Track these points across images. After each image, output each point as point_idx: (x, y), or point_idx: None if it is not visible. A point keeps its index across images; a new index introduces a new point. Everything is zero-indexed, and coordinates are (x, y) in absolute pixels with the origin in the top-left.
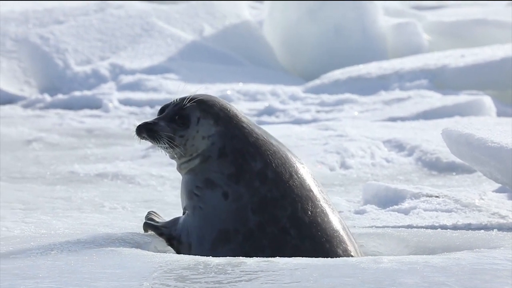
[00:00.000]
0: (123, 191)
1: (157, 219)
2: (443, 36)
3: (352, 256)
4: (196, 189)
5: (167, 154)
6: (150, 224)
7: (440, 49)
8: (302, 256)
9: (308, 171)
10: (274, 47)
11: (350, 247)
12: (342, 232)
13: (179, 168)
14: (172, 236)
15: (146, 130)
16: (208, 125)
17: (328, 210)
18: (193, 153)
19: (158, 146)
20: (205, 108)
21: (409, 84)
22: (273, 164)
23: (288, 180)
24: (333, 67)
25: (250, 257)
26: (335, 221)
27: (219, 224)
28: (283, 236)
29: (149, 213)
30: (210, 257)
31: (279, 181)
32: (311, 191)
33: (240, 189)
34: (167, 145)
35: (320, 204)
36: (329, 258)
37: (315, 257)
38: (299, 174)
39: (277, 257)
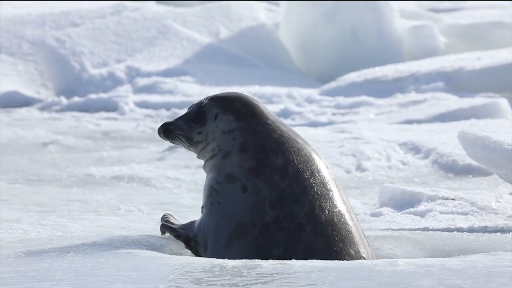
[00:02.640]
0: (139, 193)
1: (173, 221)
2: (460, 39)
3: (364, 258)
4: (216, 185)
5: (194, 153)
6: (167, 226)
7: (456, 51)
8: (315, 253)
9: (331, 172)
10: (290, 50)
11: (363, 249)
12: (356, 234)
13: (204, 166)
14: (189, 237)
15: (162, 131)
16: (228, 120)
17: (345, 211)
18: (215, 148)
19: (177, 145)
20: (224, 104)
21: (425, 86)
22: (295, 161)
23: (309, 177)
24: (349, 69)
25: (264, 251)
26: (351, 223)
27: (236, 217)
28: (298, 232)
29: (164, 215)
30: (226, 259)
31: (299, 177)
32: (331, 191)
33: (259, 182)
34: (183, 143)
35: (338, 205)
36: (345, 261)
37: (328, 255)
38: (321, 173)
39: (293, 260)
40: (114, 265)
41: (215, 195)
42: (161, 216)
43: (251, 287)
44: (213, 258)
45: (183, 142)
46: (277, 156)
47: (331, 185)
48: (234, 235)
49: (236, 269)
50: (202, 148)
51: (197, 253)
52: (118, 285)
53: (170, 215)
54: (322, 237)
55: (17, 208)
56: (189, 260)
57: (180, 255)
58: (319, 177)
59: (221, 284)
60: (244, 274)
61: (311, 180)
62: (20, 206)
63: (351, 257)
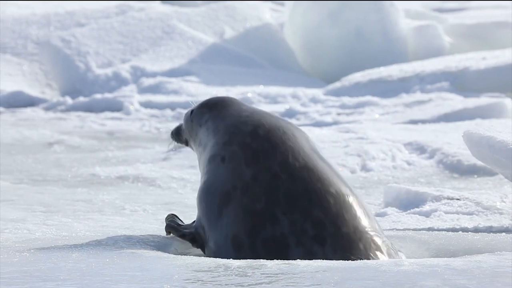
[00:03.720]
0: (144, 193)
1: (177, 221)
2: (465, 39)
3: (345, 195)
4: (204, 174)
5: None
6: (172, 226)
7: (461, 51)
8: (295, 198)
9: (304, 135)
10: (295, 50)
11: (344, 188)
12: (334, 175)
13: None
14: (192, 233)
15: (171, 134)
16: (201, 113)
17: (319, 158)
18: (198, 144)
19: (179, 144)
20: (200, 102)
21: (430, 86)
22: (266, 125)
23: (281, 135)
24: (354, 69)
25: (249, 210)
26: (327, 166)
27: (220, 188)
28: (275, 181)
29: (169, 215)
30: (231, 259)
31: (270, 136)
32: (304, 146)
33: (233, 148)
34: (179, 143)
35: (312, 154)
36: (350, 261)
37: (308, 197)
38: (293, 132)
39: (298, 260)
40: (119, 265)
41: (202, 178)
42: (165, 216)
43: (256, 287)
44: (218, 258)
45: (182, 143)
46: (246, 125)
47: (303, 141)
48: (221, 205)
49: (241, 269)
50: (193, 147)
51: (203, 249)
52: (123, 285)
53: (174, 215)
54: (299, 180)
55: (22, 208)
56: (193, 260)
57: (185, 255)
58: (291, 135)
59: (226, 284)
60: (248, 274)
61: (283, 137)
62: (25, 206)
63: (333, 196)
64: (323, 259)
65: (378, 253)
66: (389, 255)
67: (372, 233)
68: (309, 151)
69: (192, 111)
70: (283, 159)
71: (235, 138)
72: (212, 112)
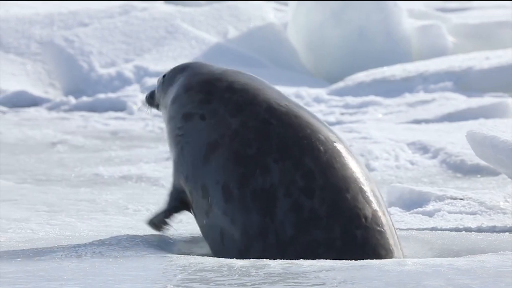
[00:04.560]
0: (147, 193)
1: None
2: (468, 38)
3: (333, 141)
4: (178, 130)
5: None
6: (154, 218)
7: (464, 51)
8: (287, 145)
9: (276, 89)
10: (298, 50)
11: (331, 134)
12: (317, 121)
13: (164, 122)
14: (175, 199)
15: (145, 97)
16: (174, 72)
17: (298, 106)
18: (166, 99)
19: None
20: (174, 67)
21: (433, 86)
22: (241, 80)
23: (258, 86)
24: (357, 69)
25: (239, 155)
26: (308, 113)
27: (205, 140)
28: (267, 127)
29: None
30: (234, 259)
31: (248, 88)
32: (281, 94)
33: (213, 106)
34: (151, 106)
35: (293, 102)
36: (353, 261)
37: (298, 143)
38: (268, 84)
39: (301, 259)
40: (123, 265)
41: (181, 139)
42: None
43: (259, 286)
44: (221, 258)
45: (154, 106)
46: (221, 81)
47: (282, 93)
48: (208, 153)
49: (244, 269)
50: (162, 110)
51: (194, 208)
52: (126, 285)
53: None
54: (289, 126)
55: (26, 208)
56: (197, 260)
57: (188, 255)
58: (269, 87)
59: (229, 284)
60: (252, 273)
61: (261, 88)
62: (29, 205)
63: (323, 144)
64: (310, 211)
65: (365, 204)
66: (378, 205)
67: (360, 182)
68: (288, 98)
69: (164, 75)
70: (268, 106)
71: (213, 96)
72: (184, 72)
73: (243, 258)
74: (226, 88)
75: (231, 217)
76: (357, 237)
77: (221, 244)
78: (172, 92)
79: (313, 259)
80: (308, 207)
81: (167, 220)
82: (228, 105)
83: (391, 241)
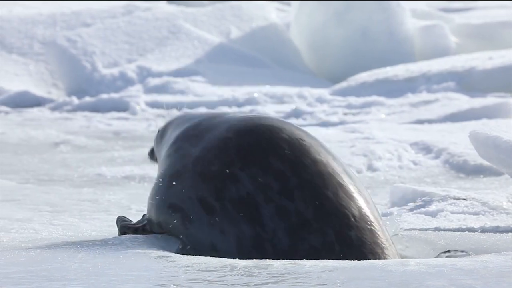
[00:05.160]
0: None
1: (128, 220)
2: (471, 38)
3: (298, 139)
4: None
5: None
6: (125, 226)
7: (467, 51)
8: (250, 154)
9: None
10: (301, 50)
11: (296, 132)
12: (279, 121)
13: None
14: (145, 222)
15: (148, 153)
16: (163, 131)
17: (267, 117)
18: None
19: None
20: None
21: (436, 86)
22: (207, 119)
23: (215, 118)
24: (360, 69)
25: (206, 174)
26: (270, 118)
27: (169, 171)
28: (224, 143)
29: (118, 217)
30: (237, 259)
31: (209, 122)
32: (246, 115)
33: (178, 143)
34: (154, 161)
35: (257, 117)
36: (356, 261)
37: (262, 149)
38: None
39: (304, 260)
40: (125, 265)
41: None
42: (116, 219)
43: (262, 286)
44: (223, 258)
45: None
46: (191, 126)
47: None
48: (171, 179)
49: (247, 269)
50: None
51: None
52: (129, 285)
53: (123, 216)
54: (248, 135)
55: (29, 208)
56: (200, 260)
57: (191, 255)
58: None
59: (232, 284)
60: (255, 274)
61: (216, 118)
62: (31, 206)
63: (285, 142)
64: (297, 215)
65: (349, 201)
66: (362, 199)
67: (337, 176)
68: (248, 115)
69: (159, 131)
70: (228, 125)
71: (179, 137)
72: (170, 128)
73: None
74: (191, 127)
75: (221, 228)
76: (352, 239)
77: (214, 251)
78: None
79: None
80: (293, 210)
81: (133, 232)
82: (189, 138)
83: (382, 238)
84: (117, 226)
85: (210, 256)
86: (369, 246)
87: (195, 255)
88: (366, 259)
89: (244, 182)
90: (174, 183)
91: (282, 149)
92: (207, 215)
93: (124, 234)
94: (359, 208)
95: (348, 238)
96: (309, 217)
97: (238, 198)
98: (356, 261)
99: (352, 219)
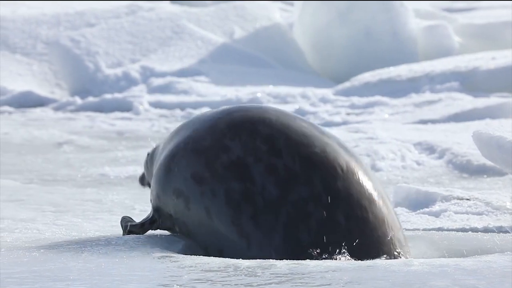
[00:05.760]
0: None
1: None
2: (474, 39)
3: (283, 110)
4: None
5: None
6: (132, 225)
7: (471, 51)
8: (240, 126)
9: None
10: (305, 50)
11: (281, 109)
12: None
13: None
14: (150, 217)
15: (139, 180)
16: (153, 154)
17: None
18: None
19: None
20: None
21: (439, 86)
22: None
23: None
24: (364, 69)
25: (199, 150)
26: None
27: (162, 159)
28: (215, 122)
29: (123, 218)
30: (240, 259)
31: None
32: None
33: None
34: (146, 186)
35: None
36: (360, 261)
37: (251, 122)
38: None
39: (307, 260)
40: (129, 265)
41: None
42: (120, 220)
43: (265, 287)
44: (227, 258)
45: (147, 186)
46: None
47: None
48: (169, 162)
49: (250, 269)
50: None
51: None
52: (133, 285)
53: (128, 217)
54: (236, 112)
55: (32, 208)
56: (203, 260)
57: (194, 255)
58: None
59: (235, 284)
60: (258, 274)
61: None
62: (35, 206)
63: (273, 113)
64: (285, 169)
65: (336, 156)
66: (349, 155)
67: (324, 137)
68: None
69: (148, 154)
70: (218, 110)
71: (172, 135)
72: (159, 148)
73: (234, 228)
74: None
75: (211, 190)
76: (339, 189)
77: (210, 220)
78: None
79: (304, 219)
80: (282, 166)
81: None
82: (181, 130)
83: (370, 190)
84: (121, 226)
85: (204, 217)
86: (356, 197)
87: (195, 228)
88: (353, 212)
89: (234, 150)
90: (171, 167)
91: (270, 119)
92: (200, 186)
93: (131, 233)
94: (346, 162)
95: (335, 189)
96: (297, 170)
97: (228, 163)
98: (360, 261)
99: (339, 171)
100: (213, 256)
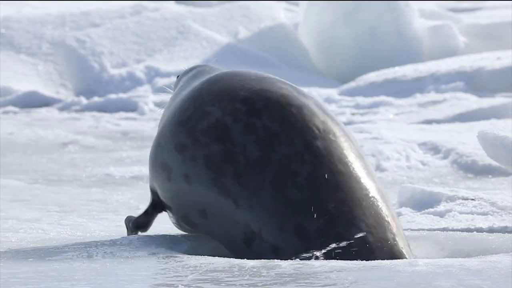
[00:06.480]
0: None
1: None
2: (479, 38)
3: (264, 75)
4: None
5: None
6: (135, 222)
7: (476, 51)
8: (220, 94)
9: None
10: (309, 50)
11: (262, 72)
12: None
13: None
14: (150, 203)
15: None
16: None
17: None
18: None
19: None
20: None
21: (444, 86)
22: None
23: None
24: (369, 69)
25: (179, 121)
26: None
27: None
28: (197, 93)
29: (128, 217)
30: (245, 259)
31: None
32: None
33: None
34: None
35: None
36: (364, 261)
37: (231, 88)
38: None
39: (312, 260)
40: (134, 265)
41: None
42: (124, 220)
43: (270, 287)
44: (231, 258)
45: None
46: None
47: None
48: (158, 138)
49: (255, 269)
50: None
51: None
52: (138, 285)
53: (133, 216)
54: (218, 83)
55: (37, 208)
56: (208, 260)
57: (199, 255)
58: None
59: (240, 284)
60: (263, 274)
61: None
62: (40, 206)
63: (255, 79)
64: (265, 129)
65: (312, 116)
66: (325, 115)
67: (301, 98)
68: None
69: (178, 76)
70: (204, 78)
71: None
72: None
73: (216, 188)
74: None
75: (192, 156)
76: (319, 148)
77: (189, 186)
78: None
79: (291, 177)
80: (261, 126)
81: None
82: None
83: (349, 148)
84: (126, 226)
85: (184, 184)
86: (337, 154)
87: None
88: (336, 167)
89: (213, 113)
90: (160, 141)
91: (250, 85)
92: (181, 154)
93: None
94: (323, 122)
95: (315, 148)
96: (277, 130)
97: (207, 126)
98: (364, 261)
99: (317, 131)
100: (196, 220)
